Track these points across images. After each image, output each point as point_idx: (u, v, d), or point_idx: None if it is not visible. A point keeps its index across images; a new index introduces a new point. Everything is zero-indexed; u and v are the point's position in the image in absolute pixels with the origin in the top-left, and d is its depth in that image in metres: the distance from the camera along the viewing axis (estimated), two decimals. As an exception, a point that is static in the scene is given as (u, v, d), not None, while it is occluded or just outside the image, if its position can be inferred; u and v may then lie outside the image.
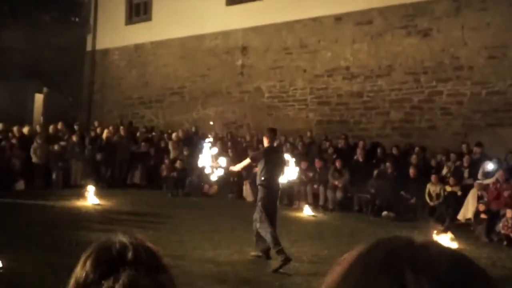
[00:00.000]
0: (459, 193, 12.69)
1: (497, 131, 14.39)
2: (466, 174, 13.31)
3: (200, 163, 9.25)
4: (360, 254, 0.76)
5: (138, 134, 18.82)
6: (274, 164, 8.61)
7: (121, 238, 1.35)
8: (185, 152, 16.91)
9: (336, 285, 0.75)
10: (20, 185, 15.38)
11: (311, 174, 15.00)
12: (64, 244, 8.50)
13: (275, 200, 8.75)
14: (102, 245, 1.33)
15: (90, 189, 13.77)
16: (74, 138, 17.15)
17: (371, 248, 0.77)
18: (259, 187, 8.58)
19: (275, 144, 9.15)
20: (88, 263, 1.27)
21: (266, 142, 8.88)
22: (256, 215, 8.36)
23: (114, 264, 1.24)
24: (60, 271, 6.59)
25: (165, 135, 19.15)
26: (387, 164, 14.05)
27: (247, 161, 8.91)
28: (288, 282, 7.35)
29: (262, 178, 8.44)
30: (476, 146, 13.60)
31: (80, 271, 1.27)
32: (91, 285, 1.22)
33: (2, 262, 7.18)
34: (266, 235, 8.15)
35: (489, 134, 14.35)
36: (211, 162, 9.03)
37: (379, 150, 15.19)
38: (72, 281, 1.28)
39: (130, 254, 1.27)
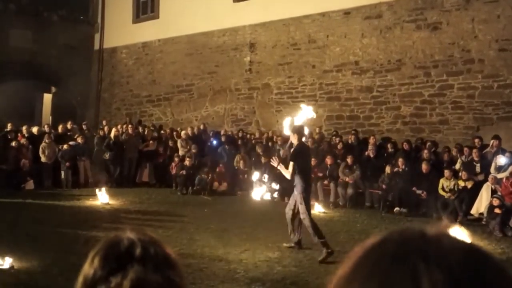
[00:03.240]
0: (469, 186, 12.59)
1: (509, 125, 14.29)
2: (477, 168, 13.19)
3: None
4: (372, 246, 0.75)
5: (146, 132, 18.87)
6: (307, 160, 9.22)
7: (129, 234, 1.34)
8: (193, 150, 16.92)
9: (347, 278, 0.73)
10: (30, 184, 15.47)
11: (320, 174, 14.89)
12: (73, 243, 8.53)
13: (310, 194, 9.22)
14: (110, 241, 1.32)
15: (100, 188, 13.82)
16: (83, 137, 17.22)
17: (383, 240, 0.75)
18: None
19: (303, 140, 9.38)
20: (96, 260, 1.26)
21: (295, 140, 8.92)
22: (300, 209, 8.66)
23: (122, 260, 1.23)
24: (70, 270, 6.61)
25: (174, 133, 19.18)
26: (399, 160, 13.95)
27: (291, 165, 8.79)
28: (300, 279, 7.33)
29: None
30: (493, 139, 13.42)
31: (88, 268, 1.26)
32: (99, 282, 1.21)
33: (12, 262, 7.22)
34: (309, 227, 8.55)
35: (501, 127, 14.25)
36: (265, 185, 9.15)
37: (390, 146, 15.10)
38: (80, 279, 1.27)
39: (138, 251, 1.26)
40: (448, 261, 0.68)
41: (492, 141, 13.41)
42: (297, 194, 8.78)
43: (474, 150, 13.36)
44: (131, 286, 1.18)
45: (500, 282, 0.70)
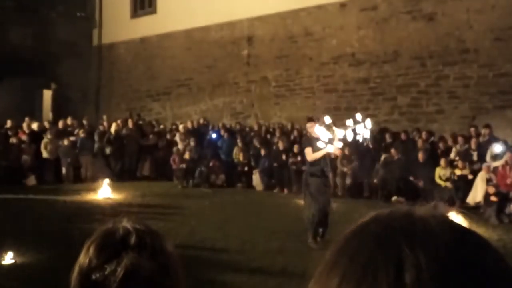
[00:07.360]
0: (470, 176, 12.60)
1: (505, 113, 14.29)
2: (474, 157, 13.21)
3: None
4: (357, 229, 0.71)
5: (146, 126, 18.88)
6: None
7: (125, 224, 1.34)
8: (192, 143, 16.90)
9: (333, 261, 0.69)
10: (31, 180, 15.46)
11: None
12: (75, 237, 8.53)
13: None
14: (105, 231, 1.32)
15: (101, 182, 13.83)
16: (83, 132, 17.20)
17: (369, 222, 0.71)
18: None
19: None
20: (92, 249, 1.26)
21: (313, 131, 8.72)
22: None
23: (117, 248, 1.23)
24: (72, 264, 6.62)
25: (173, 126, 19.19)
26: (392, 150, 13.99)
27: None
28: (300, 269, 7.33)
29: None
30: (484, 128, 13.49)
31: (83, 257, 1.26)
32: (94, 270, 1.21)
33: (14, 256, 7.23)
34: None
35: (497, 116, 14.25)
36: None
37: (387, 136, 15.10)
38: (76, 268, 1.27)
39: (133, 239, 1.26)
40: (434, 243, 0.63)
41: (483, 130, 13.45)
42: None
43: (473, 140, 13.37)
44: (125, 272, 1.18)
45: (494, 270, 0.63)
